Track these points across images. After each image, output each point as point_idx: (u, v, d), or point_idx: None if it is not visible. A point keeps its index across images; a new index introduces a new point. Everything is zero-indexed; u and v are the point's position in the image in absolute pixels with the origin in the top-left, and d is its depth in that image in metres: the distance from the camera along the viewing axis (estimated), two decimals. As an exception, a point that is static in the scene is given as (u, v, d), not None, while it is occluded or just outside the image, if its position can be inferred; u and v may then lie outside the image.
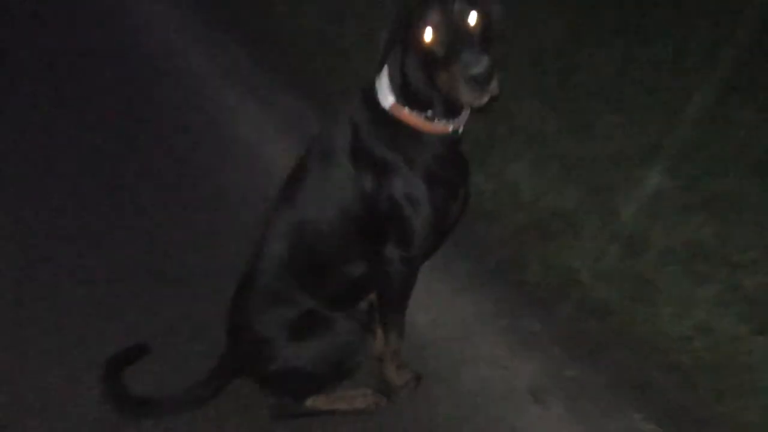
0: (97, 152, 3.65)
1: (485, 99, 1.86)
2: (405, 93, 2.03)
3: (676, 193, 3.20)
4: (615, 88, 3.96)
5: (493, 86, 1.84)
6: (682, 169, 3.32)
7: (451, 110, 2.06)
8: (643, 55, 4.25)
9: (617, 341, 2.62)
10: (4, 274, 2.93)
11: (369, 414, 2.37)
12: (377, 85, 2.06)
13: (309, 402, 2.33)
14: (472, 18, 1.89)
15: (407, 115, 2.05)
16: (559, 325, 2.68)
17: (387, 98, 2.05)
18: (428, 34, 1.88)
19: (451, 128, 2.10)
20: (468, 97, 1.85)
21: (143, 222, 3.21)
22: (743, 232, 2.96)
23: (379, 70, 2.05)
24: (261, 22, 4.81)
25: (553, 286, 2.84)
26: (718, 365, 2.48)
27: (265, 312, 2.22)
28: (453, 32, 1.86)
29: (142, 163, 3.57)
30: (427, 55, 1.91)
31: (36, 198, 3.37)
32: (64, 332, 2.67)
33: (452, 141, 2.15)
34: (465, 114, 2.12)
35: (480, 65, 1.79)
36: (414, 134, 2.06)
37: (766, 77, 3.93)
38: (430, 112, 2.05)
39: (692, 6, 4.68)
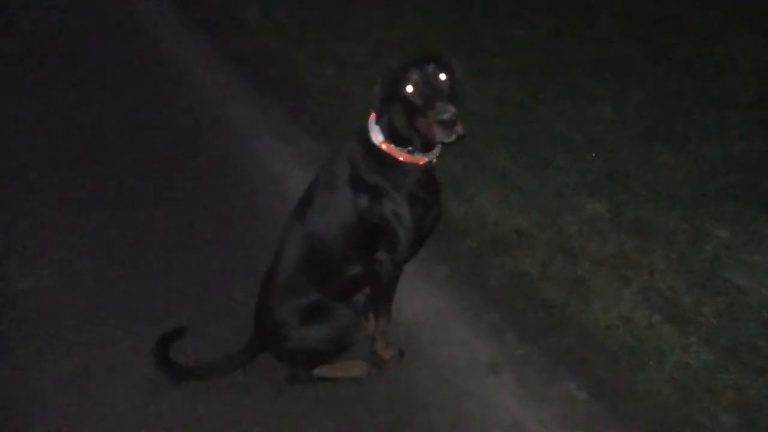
0: (138, 196, 3.70)
1: (453, 137, 2.05)
2: (391, 133, 2.20)
3: (608, 216, 3.33)
4: (566, 135, 4.09)
5: (458, 128, 2.04)
6: (614, 198, 3.45)
7: (427, 146, 2.23)
8: (589, 111, 4.39)
9: (559, 328, 2.73)
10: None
11: (362, 380, 2.50)
12: (369, 127, 2.22)
13: (316, 371, 2.45)
14: (442, 77, 2.07)
15: (393, 149, 2.20)
16: (513, 316, 2.80)
17: (377, 137, 2.20)
18: (410, 89, 2.06)
19: (427, 159, 2.26)
20: (440, 136, 2.02)
21: (198, 234, 3.35)
22: (657, 248, 3.08)
23: (377, 117, 2.18)
24: (289, 79, 4.97)
25: (510, 286, 2.95)
26: (637, 347, 2.61)
27: (282, 302, 2.36)
28: (428, 88, 2.05)
29: (195, 192, 3.72)
30: (408, 104, 2.09)
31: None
32: (134, 311, 2.83)
33: (428, 170, 2.31)
34: (438, 149, 2.28)
35: (448, 113, 1.98)
36: (398, 165, 2.22)
37: (680, 128, 4.06)
38: (410, 148, 2.21)
39: (628, 73, 4.84)
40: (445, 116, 1.98)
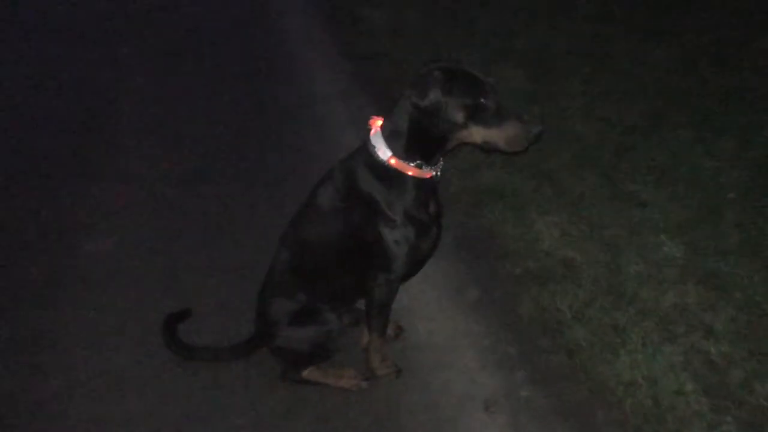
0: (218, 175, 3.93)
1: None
2: (410, 144, 2.10)
3: (682, 262, 2.98)
4: (668, 168, 3.70)
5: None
6: (697, 244, 3.08)
7: (435, 160, 2.16)
8: (707, 143, 3.95)
9: (574, 377, 2.49)
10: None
11: (351, 392, 2.45)
12: (373, 140, 2.14)
13: (305, 372, 2.45)
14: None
15: (402, 164, 2.12)
16: (530, 354, 2.59)
17: (384, 151, 2.12)
18: (487, 98, 2.03)
19: (433, 173, 2.18)
20: (519, 146, 2.09)
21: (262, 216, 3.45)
22: (726, 309, 2.70)
23: (391, 128, 2.11)
24: (397, 82, 4.98)
25: (539, 321, 2.74)
26: (655, 415, 2.30)
27: (274, 302, 2.38)
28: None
29: (275, 178, 3.87)
30: (470, 112, 2.03)
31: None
32: (183, 282, 3.04)
33: (431, 185, 2.22)
34: (441, 162, 2.21)
35: (541, 125, 2.08)
36: (402, 182, 2.14)
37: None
38: (418, 162, 2.13)
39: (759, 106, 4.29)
40: (540, 128, 2.06)
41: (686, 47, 5.25)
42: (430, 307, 2.84)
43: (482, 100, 2.04)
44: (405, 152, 2.11)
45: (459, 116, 2.05)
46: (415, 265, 2.32)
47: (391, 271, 2.24)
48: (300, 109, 4.66)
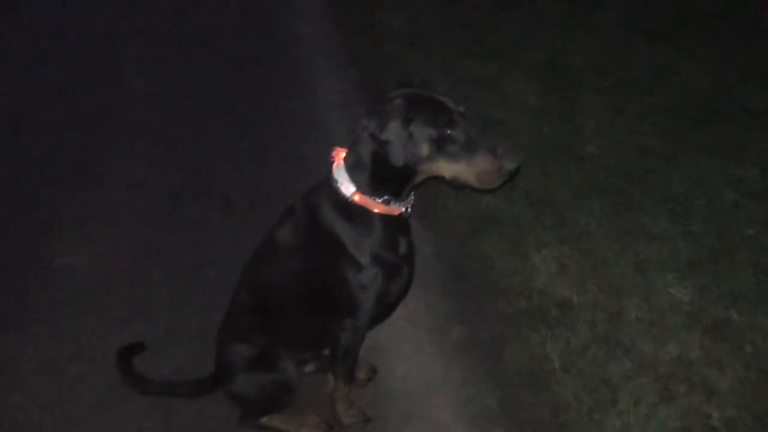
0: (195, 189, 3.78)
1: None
2: (374, 178, 1.90)
3: (688, 308, 2.74)
4: (684, 198, 3.45)
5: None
6: (708, 288, 2.84)
7: (404, 195, 1.97)
8: (729, 171, 3.69)
9: (558, 435, 2.28)
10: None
11: (313, 442, 2.27)
12: (336, 174, 1.94)
13: (264, 419, 2.28)
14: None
15: (367, 200, 1.92)
16: (512, 407, 2.39)
17: (347, 187, 1.92)
18: (454, 128, 1.83)
19: (402, 209, 1.98)
20: (493, 183, 1.89)
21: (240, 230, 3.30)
22: (734, 366, 2.46)
23: (353, 160, 1.92)
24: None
25: (525, 370, 2.52)
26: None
27: (232, 345, 2.21)
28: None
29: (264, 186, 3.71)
30: (436, 143, 1.83)
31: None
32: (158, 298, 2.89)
33: (400, 223, 2.03)
34: (412, 196, 2.01)
35: (517, 161, 1.87)
36: (367, 219, 1.94)
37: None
38: (386, 197, 1.93)
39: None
40: (516, 164, 1.86)
41: (715, 64, 4.95)
42: (409, 347, 2.64)
43: (449, 131, 1.83)
44: (370, 187, 1.91)
45: (423, 148, 1.85)
46: (384, 308, 2.13)
47: (356, 317, 2.05)
48: (303, 118, 4.47)
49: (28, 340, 2.68)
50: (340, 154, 1.95)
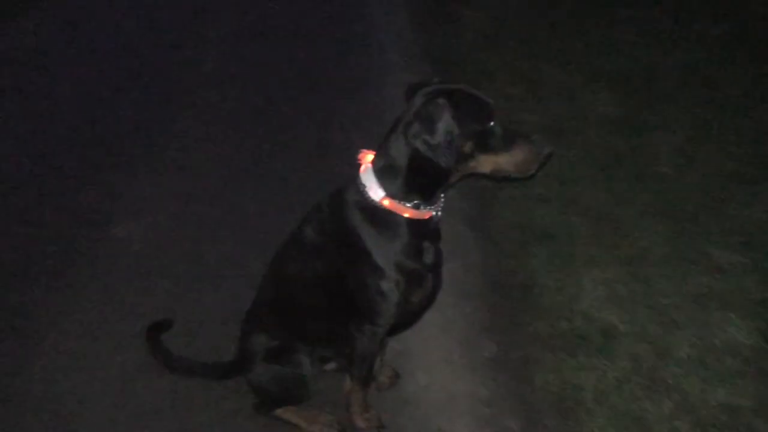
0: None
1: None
2: (405, 186, 1.83)
3: (748, 354, 2.52)
4: (759, 232, 3.20)
5: None
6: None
7: (436, 198, 1.91)
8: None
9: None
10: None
11: (324, 441, 2.24)
12: (363, 178, 1.87)
13: (279, 411, 2.26)
14: None
15: (397, 206, 1.85)
16: (536, 435, 2.27)
17: (376, 191, 1.85)
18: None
19: (433, 212, 1.91)
20: (530, 170, 1.90)
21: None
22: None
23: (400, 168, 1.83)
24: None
25: (553, 397, 2.38)
26: None
27: (253, 335, 2.20)
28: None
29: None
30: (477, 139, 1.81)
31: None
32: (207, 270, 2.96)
33: (432, 228, 1.95)
34: (441, 200, 1.94)
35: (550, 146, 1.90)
36: (393, 224, 1.87)
37: None
38: (416, 201, 1.86)
39: None
40: (551, 149, 1.89)
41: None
42: (437, 356, 2.56)
43: (490, 124, 1.80)
44: (402, 192, 1.84)
45: (466, 146, 1.80)
46: (407, 317, 2.06)
47: (376, 324, 1.99)
48: (368, 111, 4.44)
49: (76, 302, 2.77)
50: (367, 157, 1.89)
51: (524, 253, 3.05)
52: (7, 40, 5.39)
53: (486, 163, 1.85)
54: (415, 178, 1.83)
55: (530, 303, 2.79)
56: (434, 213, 1.92)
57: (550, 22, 5.82)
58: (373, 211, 1.87)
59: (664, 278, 2.89)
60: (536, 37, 5.52)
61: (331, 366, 2.28)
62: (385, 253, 1.88)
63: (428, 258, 1.96)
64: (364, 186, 1.86)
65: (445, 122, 1.73)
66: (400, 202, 1.85)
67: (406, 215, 1.87)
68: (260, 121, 4.27)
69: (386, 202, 1.85)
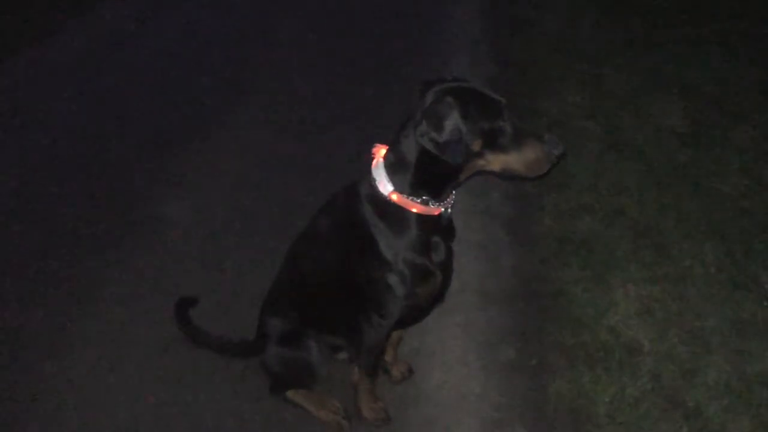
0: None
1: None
2: (413, 182, 1.86)
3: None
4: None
5: None
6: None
7: (445, 195, 1.92)
8: None
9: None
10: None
11: (331, 427, 2.28)
12: (374, 173, 1.91)
13: (290, 393, 2.33)
14: None
15: (405, 200, 1.88)
16: (542, 445, 2.24)
17: (385, 186, 1.88)
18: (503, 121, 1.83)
19: (442, 209, 1.93)
20: (542, 170, 1.89)
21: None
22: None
23: (409, 164, 1.85)
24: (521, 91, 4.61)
25: (566, 409, 2.34)
26: None
27: (269, 317, 2.29)
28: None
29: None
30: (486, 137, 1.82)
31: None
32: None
33: (444, 224, 1.98)
34: (452, 197, 1.95)
35: (562, 145, 1.88)
36: (402, 219, 1.90)
37: None
38: (424, 197, 1.88)
39: None
40: (562, 149, 1.88)
41: None
42: (454, 356, 2.56)
43: (500, 122, 1.80)
44: (410, 187, 1.87)
45: (475, 144, 1.80)
46: (415, 311, 2.09)
47: (384, 317, 2.02)
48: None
49: (114, 276, 2.93)
50: (380, 151, 1.92)
51: (558, 262, 3.00)
52: (80, 29, 5.69)
53: (495, 162, 1.86)
54: (423, 174, 1.85)
55: (556, 312, 2.74)
56: (444, 210, 1.93)
57: (626, 30, 5.64)
58: (383, 205, 1.90)
59: (704, 300, 2.78)
60: (609, 45, 5.36)
61: (342, 355, 2.34)
62: (393, 247, 1.92)
63: (437, 254, 1.98)
64: (374, 180, 1.90)
65: (453, 120, 1.74)
66: (408, 197, 1.87)
67: (414, 210, 1.89)
68: (317, 113, 4.34)
69: (394, 197, 1.87)
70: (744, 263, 3.00)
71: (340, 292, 2.08)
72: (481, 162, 1.85)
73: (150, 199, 3.45)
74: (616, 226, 3.20)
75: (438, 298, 2.09)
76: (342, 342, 2.29)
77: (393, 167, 1.87)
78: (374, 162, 1.92)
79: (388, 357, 2.41)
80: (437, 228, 1.96)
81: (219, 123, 4.19)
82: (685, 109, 4.33)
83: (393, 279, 1.94)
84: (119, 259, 3.02)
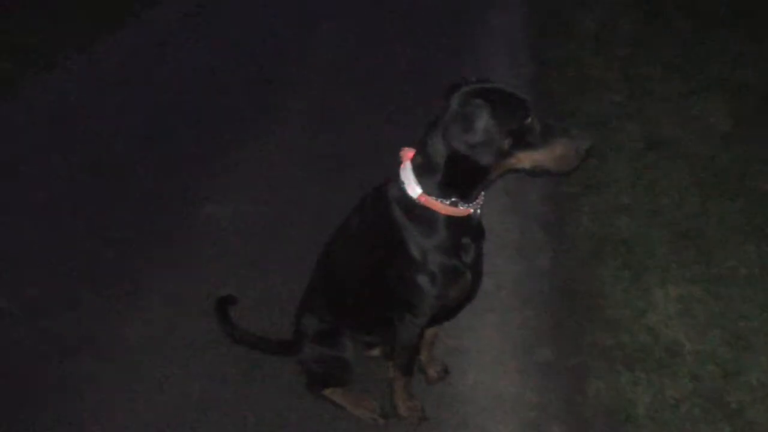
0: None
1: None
2: (442, 184, 1.87)
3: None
4: None
5: None
6: None
7: (474, 196, 1.93)
8: None
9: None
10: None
11: (367, 424, 2.32)
12: (402, 175, 1.93)
13: (327, 391, 2.38)
14: None
15: (434, 203, 1.90)
16: (579, 444, 2.24)
17: (413, 188, 1.90)
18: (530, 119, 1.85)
19: (471, 210, 1.95)
20: (571, 165, 1.91)
21: None
22: None
23: (438, 166, 1.87)
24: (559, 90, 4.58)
25: (604, 409, 2.34)
26: None
27: (305, 316, 2.33)
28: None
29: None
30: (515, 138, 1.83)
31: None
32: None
33: (473, 225, 1.99)
34: (481, 197, 1.96)
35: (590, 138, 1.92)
36: (431, 220, 1.92)
37: None
38: (453, 199, 1.90)
39: None
40: (591, 142, 1.91)
41: None
42: (490, 356, 2.58)
43: (528, 120, 1.82)
44: (439, 189, 1.89)
45: (504, 143, 1.82)
46: (445, 310, 2.12)
47: (416, 315, 2.06)
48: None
49: (159, 275, 3.02)
50: (408, 154, 1.94)
51: (596, 263, 2.99)
52: (134, 33, 5.87)
53: (525, 160, 1.87)
54: (453, 176, 1.87)
55: (594, 313, 2.73)
56: (473, 210, 1.95)
57: (670, 29, 5.56)
58: (411, 206, 1.92)
59: (747, 300, 2.74)
60: (652, 43, 5.29)
61: (376, 352, 2.38)
62: (423, 249, 1.94)
63: (467, 255, 2.00)
64: (403, 183, 1.92)
65: (484, 122, 1.75)
66: (437, 199, 1.89)
67: (443, 212, 1.91)
68: (359, 119, 4.39)
69: (423, 199, 1.90)
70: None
71: (372, 292, 2.12)
72: (511, 161, 1.86)
73: (193, 202, 3.53)
74: (655, 227, 3.16)
75: (469, 297, 2.11)
76: (375, 340, 2.33)
77: (421, 169, 1.89)
78: (402, 165, 1.95)
79: (423, 356, 2.44)
80: (467, 229, 1.98)
81: (263, 131, 4.26)
82: (729, 108, 4.24)
83: (424, 280, 1.96)
84: (164, 259, 3.11)
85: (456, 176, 1.87)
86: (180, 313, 2.81)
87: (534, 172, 1.95)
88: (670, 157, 3.74)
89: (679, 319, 2.65)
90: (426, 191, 1.89)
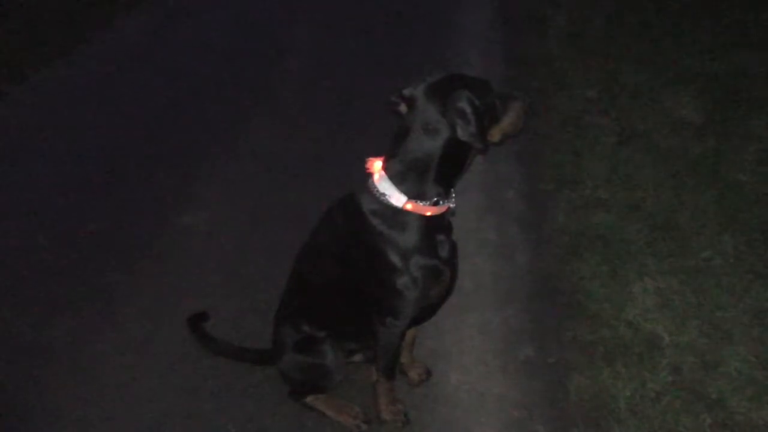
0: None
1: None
2: (434, 182, 1.88)
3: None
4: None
5: None
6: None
7: (453, 188, 1.97)
8: None
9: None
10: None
11: (350, 431, 2.31)
12: (380, 187, 1.90)
13: (309, 398, 2.36)
14: None
15: (420, 207, 1.89)
16: (560, 440, 2.25)
17: (398, 198, 1.88)
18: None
19: (450, 206, 1.97)
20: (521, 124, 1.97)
21: None
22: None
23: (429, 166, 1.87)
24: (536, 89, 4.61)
25: (586, 404, 2.34)
26: None
27: (283, 325, 2.30)
28: None
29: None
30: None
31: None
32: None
33: (443, 222, 2.00)
34: (453, 192, 1.99)
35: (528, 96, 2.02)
36: (408, 223, 1.91)
37: None
38: (435, 199, 1.91)
39: None
40: (530, 98, 2.01)
41: None
42: (472, 357, 2.58)
43: (494, 99, 1.88)
44: (428, 190, 1.89)
45: (485, 123, 1.87)
46: (426, 309, 2.11)
47: (397, 318, 2.05)
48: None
49: (135, 285, 2.98)
50: (375, 165, 1.93)
51: (574, 258, 3.00)
52: (112, 38, 5.80)
53: (496, 134, 1.93)
54: (443, 172, 1.88)
55: (573, 309, 2.74)
56: (450, 206, 1.97)
57: (641, 23, 5.62)
58: (389, 215, 1.91)
59: (724, 291, 2.77)
60: (623, 37, 5.34)
61: (358, 358, 2.37)
62: (402, 254, 1.93)
63: (443, 251, 2.00)
64: (383, 195, 1.90)
65: (473, 109, 1.79)
66: (423, 203, 1.89)
67: (428, 214, 1.91)
68: (334, 120, 4.37)
69: (409, 206, 1.89)
70: (764, 253, 2.99)
71: (351, 300, 2.11)
72: (488, 138, 1.90)
73: (170, 211, 3.48)
74: (631, 220, 3.19)
75: (448, 293, 2.11)
76: (356, 346, 2.32)
77: (402, 176, 1.88)
78: (375, 177, 1.93)
79: (404, 359, 2.44)
80: (441, 226, 1.99)
81: (235, 137, 4.22)
82: (701, 100, 4.31)
83: (406, 284, 1.95)
84: (143, 270, 3.06)
85: (447, 170, 1.89)
86: (159, 325, 2.77)
87: (500, 143, 1.98)
88: (644, 151, 3.78)
89: (658, 311, 2.68)
90: (411, 197, 1.89)
